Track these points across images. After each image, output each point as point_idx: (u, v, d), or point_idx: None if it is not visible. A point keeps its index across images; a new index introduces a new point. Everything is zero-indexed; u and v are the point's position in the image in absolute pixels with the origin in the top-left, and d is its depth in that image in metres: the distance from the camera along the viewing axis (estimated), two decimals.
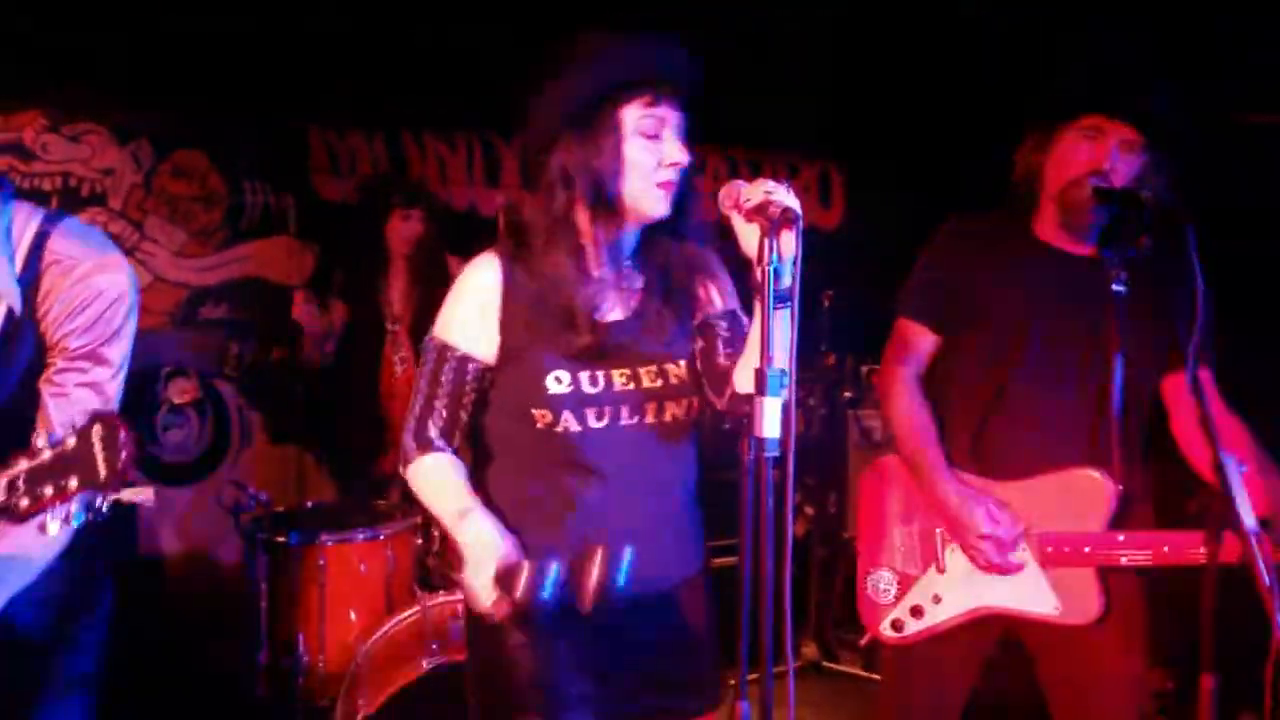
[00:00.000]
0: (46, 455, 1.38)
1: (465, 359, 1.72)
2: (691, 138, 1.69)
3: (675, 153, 1.66)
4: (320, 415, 3.96)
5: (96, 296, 1.70)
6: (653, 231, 1.75)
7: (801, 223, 1.41)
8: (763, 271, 1.40)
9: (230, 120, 3.99)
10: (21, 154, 3.70)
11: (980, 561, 2.04)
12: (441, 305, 1.78)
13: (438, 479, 1.72)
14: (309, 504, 3.41)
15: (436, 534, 2.97)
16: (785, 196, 1.44)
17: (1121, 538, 1.97)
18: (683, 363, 1.76)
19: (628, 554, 1.50)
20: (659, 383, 1.73)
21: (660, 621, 1.78)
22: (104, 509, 1.39)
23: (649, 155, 1.64)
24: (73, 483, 1.36)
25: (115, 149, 3.85)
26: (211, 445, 4.09)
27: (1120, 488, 1.99)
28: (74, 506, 1.37)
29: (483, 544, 1.58)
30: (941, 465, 2.08)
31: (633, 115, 1.63)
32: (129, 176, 3.87)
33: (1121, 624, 2.02)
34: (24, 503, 1.38)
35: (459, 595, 2.68)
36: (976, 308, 2.11)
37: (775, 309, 1.39)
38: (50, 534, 1.40)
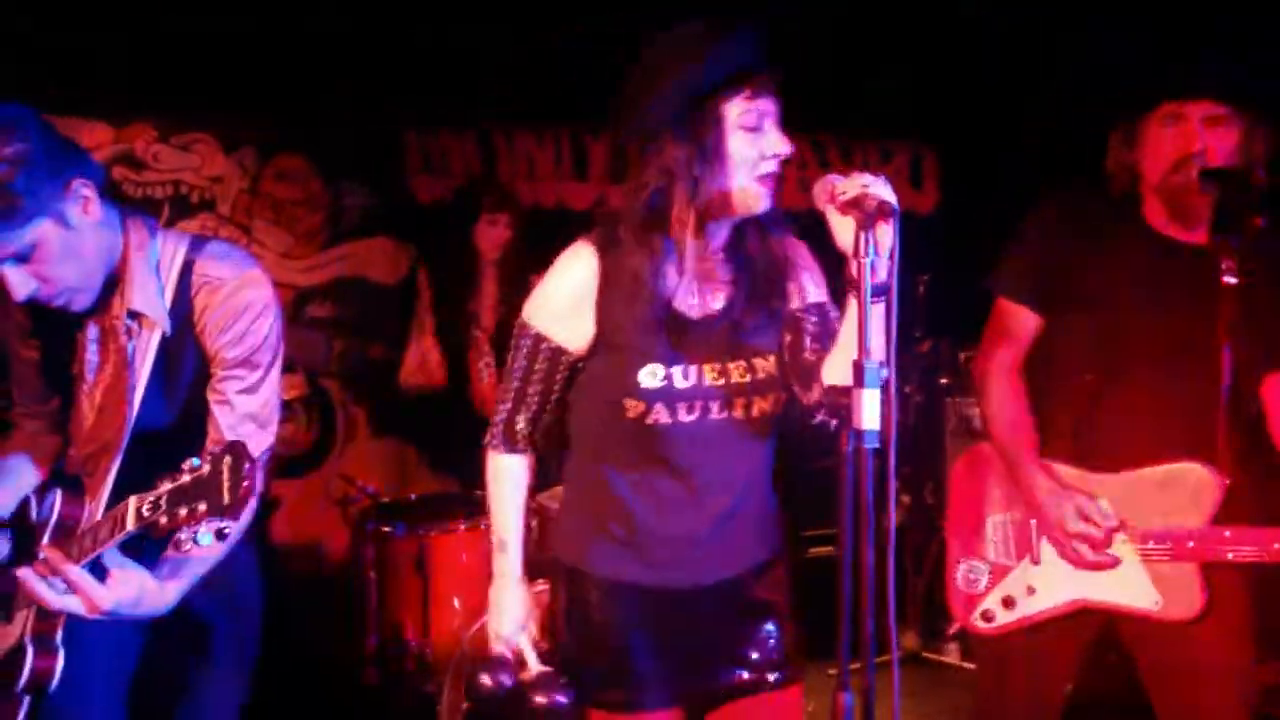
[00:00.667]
0: (185, 479, 1.51)
1: (559, 351, 1.74)
2: (787, 127, 1.67)
3: (778, 144, 1.64)
4: (420, 411, 4.07)
5: (244, 310, 1.84)
6: (743, 224, 1.74)
7: (898, 216, 1.40)
8: (859, 265, 1.39)
9: (328, 125, 4.12)
10: (133, 164, 3.88)
11: (1072, 558, 2.01)
12: (534, 290, 1.79)
13: (507, 489, 1.86)
14: (412, 496, 3.52)
15: (534, 524, 3.03)
16: (881, 189, 1.43)
17: (1228, 533, 1.91)
18: (771, 357, 1.75)
19: (566, 701, 1.72)
20: (748, 378, 1.73)
21: (736, 606, 1.81)
22: (227, 534, 1.50)
23: (752, 149, 1.62)
24: (201, 507, 1.47)
25: (222, 156, 4.02)
26: (317, 439, 4.23)
27: (1226, 482, 1.93)
28: (202, 528, 1.49)
29: (501, 608, 1.84)
30: (1034, 459, 2.04)
31: (735, 110, 1.61)
32: (236, 183, 4.04)
33: (1223, 616, 1.96)
34: (163, 520, 1.51)
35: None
36: (1081, 292, 2.05)
37: (872, 302, 1.38)
38: (183, 550, 1.52)
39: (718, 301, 1.75)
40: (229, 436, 1.82)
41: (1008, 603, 2.09)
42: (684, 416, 1.71)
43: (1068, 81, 4.01)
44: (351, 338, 4.25)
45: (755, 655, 1.80)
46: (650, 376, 1.69)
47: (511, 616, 1.82)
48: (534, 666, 1.77)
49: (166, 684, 1.96)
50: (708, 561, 1.77)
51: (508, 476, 1.85)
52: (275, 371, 1.90)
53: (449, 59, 4.05)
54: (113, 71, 3.63)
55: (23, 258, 1.68)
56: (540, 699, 1.71)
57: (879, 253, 1.40)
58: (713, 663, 1.79)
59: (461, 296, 3.79)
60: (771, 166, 1.65)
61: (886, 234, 1.41)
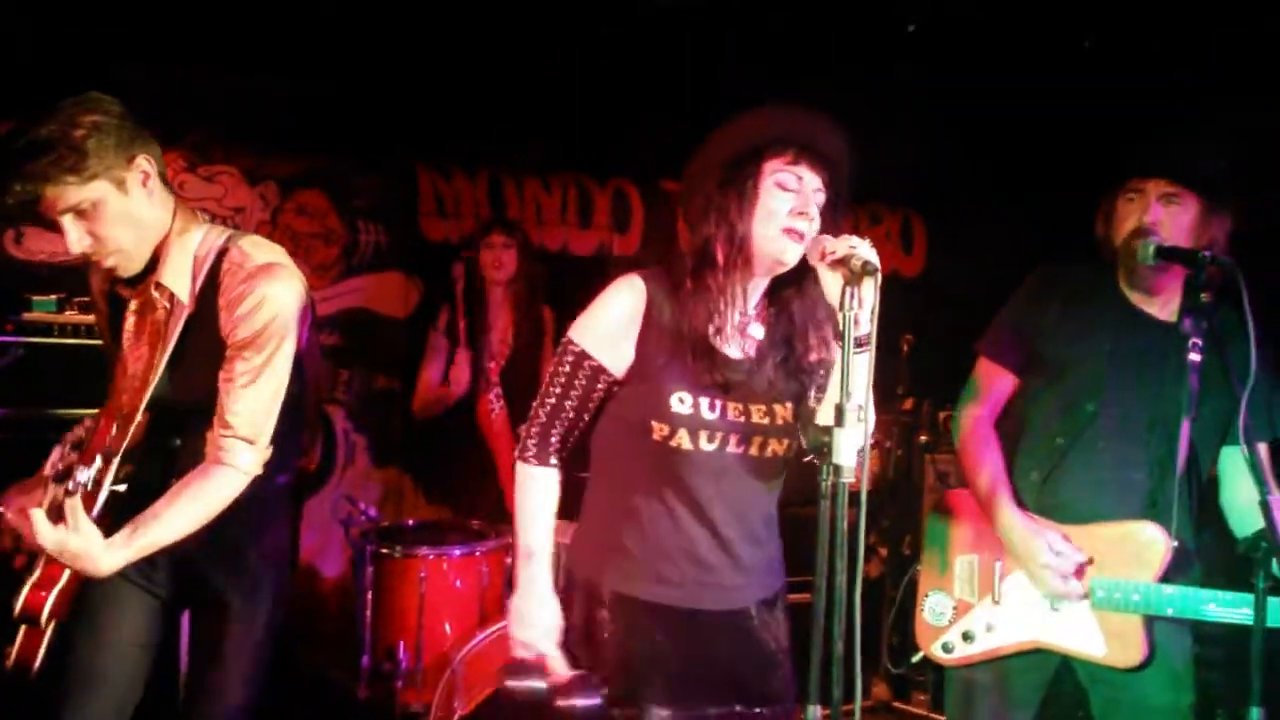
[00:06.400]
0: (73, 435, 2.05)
1: (599, 370, 1.88)
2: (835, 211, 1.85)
3: (807, 205, 1.81)
4: (420, 441, 4.20)
5: (252, 293, 1.92)
6: (780, 284, 1.91)
7: (880, 275, 1.57)
8: (844, 317, 1.56)
9: (348, 165, 4.31)
10: None
11: (1044, 587, 2.15)
12: (581, 315, 1.92)
13: (537, 499, 1.91)
14: (410, 521, 3.63)
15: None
16: (866, 251, 1.61)
17: (1169, 591, 2.06)
18: (789, 404, 1.91)
19: (599, 700, 1.77)
20: (767, 420, 1.88)
21: (742, 639, 1.92)
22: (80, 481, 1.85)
23: (781, 203, 1.81)
24: (75, 456, 2.00)
25: (245, 189, 4.18)
26: (319, 464, 4.35)
27: (1176, 544, 2.08)
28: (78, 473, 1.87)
29: (528, 616, 1.87)
30: (1009, 499, 2.19)
31: (775, 167, 1.81)
32: (257, 214, 4.20)
33: (1166, 662, 2.11)
34: (60, 466, 1.97)
35: None
36: (1057, 358, 2.22)
37: (854, 352, 1.54)
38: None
39: (749, 350, 1.91)
40: (228, 417, 1.92)
41: (967, 637, 2.25)
42: (704, 445, 1.85)
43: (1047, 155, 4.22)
44: (357, 367, 4.40)
45: (754, 689, 1.91)
46: (679, 403, 1.84)
47: (541, 624, 1.86)
48: (563, 671, 1.82)
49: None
50: (716, 588, 1.89)
51: (539, 486, 1.91)
52: (279, 362, 1.95)
53: (465, 107, 4.25)
54: (150, 103, 3.80)
55: (82, 213, 1.86)
56: (576, 700, 1.76)
57: (862, 307, 1.57)
58: (714, 688, 1.88)
59: (475, 324, 3.81)
60: (798, 224, 1.80)
61: (870, 291, 1.57)
